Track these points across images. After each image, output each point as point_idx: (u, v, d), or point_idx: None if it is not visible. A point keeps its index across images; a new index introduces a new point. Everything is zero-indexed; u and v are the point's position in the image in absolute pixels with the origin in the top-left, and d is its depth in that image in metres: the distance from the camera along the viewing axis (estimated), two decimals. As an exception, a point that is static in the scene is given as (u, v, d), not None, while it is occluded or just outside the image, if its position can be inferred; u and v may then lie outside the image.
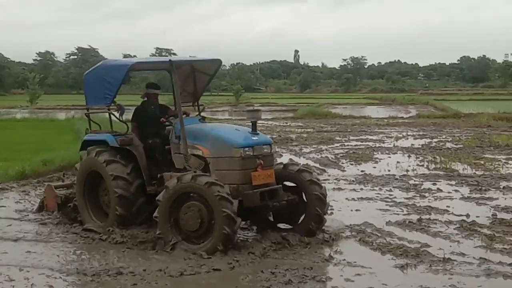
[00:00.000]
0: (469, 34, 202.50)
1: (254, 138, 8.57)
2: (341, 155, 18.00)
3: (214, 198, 7.78)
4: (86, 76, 9.84)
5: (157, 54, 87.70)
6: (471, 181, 13.25)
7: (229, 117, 38.76)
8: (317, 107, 43.27)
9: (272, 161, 8.82)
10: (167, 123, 9.31)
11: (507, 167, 15.46)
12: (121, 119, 9.37)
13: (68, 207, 9.93)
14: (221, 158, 8.46)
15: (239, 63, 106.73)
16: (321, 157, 17.63)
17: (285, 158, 16.29)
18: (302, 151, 19.19)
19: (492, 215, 10.23)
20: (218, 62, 10.18)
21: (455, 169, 15.09)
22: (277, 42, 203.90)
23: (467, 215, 10.10)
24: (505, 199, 11.60)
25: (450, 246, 8.36)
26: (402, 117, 35.46)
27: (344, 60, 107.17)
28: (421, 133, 25.37)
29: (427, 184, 13.07)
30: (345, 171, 15.16)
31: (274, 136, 21.76)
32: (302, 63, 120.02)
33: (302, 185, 8.79)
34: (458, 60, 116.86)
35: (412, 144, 20.80)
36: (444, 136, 23.72)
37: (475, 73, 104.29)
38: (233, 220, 7.78)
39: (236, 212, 7.86)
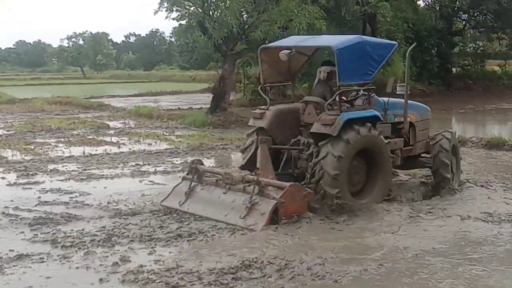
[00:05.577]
0: (24, 19, 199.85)
1: None
2: None
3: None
4: (343, 51, 9.16)
5: None
6: (19, 167, 13.27)
7: None
8: None
9: None
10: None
11: (56, 150, 15.93)
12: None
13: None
14: (423, 121, 10.92)
15: None
16: None
17: None
18: None
19: (37, 197, 10.51)
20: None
21: (4, 156, 14.89)
22: None
23: (12, 200, 10.19)
24: (51, 181, 11.99)
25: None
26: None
27: None
28: (-30, 122, 24.15)
29: (-32, 175, 12.59)
30: None
31: None
32: None
33: None
34: (14, 44, 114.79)
35: (-39, 135, 19.65)
36: (-4, 123, 23.09)
37: (31, 58, 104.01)
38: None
39: None
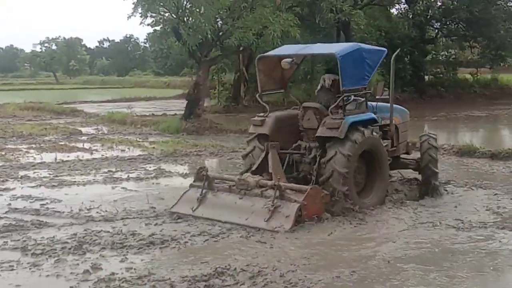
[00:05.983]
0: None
1: None
2: None
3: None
4: (344, 57, 9.56)
5: None
6: (-12, 173, 13.09)
7: None
8: None
9: None
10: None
11: (28, 156, 15.74)
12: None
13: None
14: (405, 123, 11.53)
15: None
16: None
17: None
18: None
19: (8, 204, 10.36)
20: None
21: (-26, 162, 14.67)
22: None
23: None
24: (22, 188, 11.84)
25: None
26: None
27: None
28: None
29: None
30: None
31: None
32: None
33: None
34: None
35: None
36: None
37: (3, 63, 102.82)
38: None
39: None
